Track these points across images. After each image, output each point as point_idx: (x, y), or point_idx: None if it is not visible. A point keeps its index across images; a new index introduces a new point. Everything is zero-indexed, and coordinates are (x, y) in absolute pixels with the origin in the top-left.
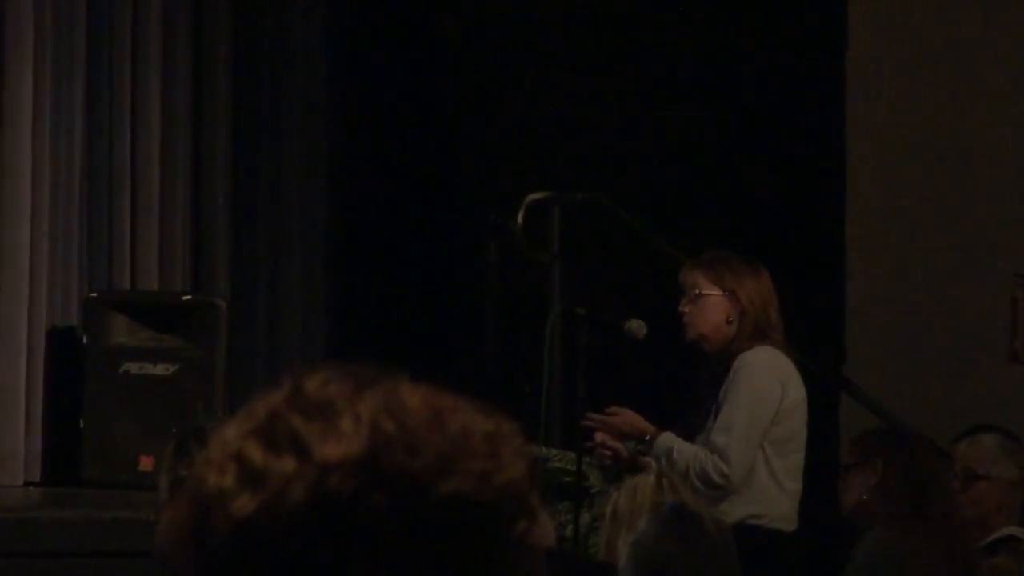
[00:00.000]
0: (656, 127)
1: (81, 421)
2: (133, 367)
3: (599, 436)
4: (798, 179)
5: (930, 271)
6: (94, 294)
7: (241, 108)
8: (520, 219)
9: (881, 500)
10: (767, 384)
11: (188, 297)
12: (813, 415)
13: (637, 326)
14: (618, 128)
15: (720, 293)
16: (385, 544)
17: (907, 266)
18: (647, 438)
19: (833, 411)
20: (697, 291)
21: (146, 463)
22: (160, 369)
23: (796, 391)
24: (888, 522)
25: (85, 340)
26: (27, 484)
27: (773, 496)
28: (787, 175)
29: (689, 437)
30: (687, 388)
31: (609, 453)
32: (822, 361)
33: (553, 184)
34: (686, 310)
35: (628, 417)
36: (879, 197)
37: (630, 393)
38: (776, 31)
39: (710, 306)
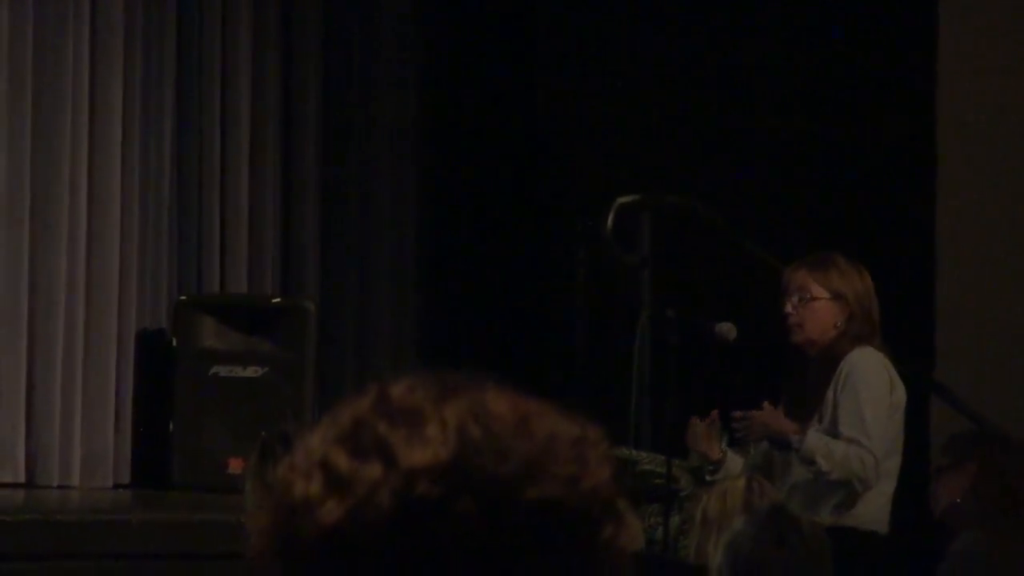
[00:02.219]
0: (745, 132)
1: (170, 424)
2: (222, 370)
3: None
4: (888, 181)
5: (1021, 272)
6: (184, 297)
7: (331, 113)
8: (610, 223)
9: (974, 503)
10: (879, 382)
11: (278, 300)
12: (906, 418)
13: (728, 328)
14: (707, 133)
15: (828, 296)
16: (472, 550)
17: (998, 268)
18: (795, 437)
19: (924, 414)
20: (807, 294)
21: (235, 466)
22: (249, 372)
23: (900, 392)
24: (981, 525)
25: (175, 343)
26: (116, 487)
27: (868, 498)
28: (877, 177)
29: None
30: (783, 390)
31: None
32: (913, 363)
33: (643, 187)
34: (794, 312)
35: (770, 413)
36: (970, 198)
37: (720, 396)
38: (865, 33)
39: (820, 310)
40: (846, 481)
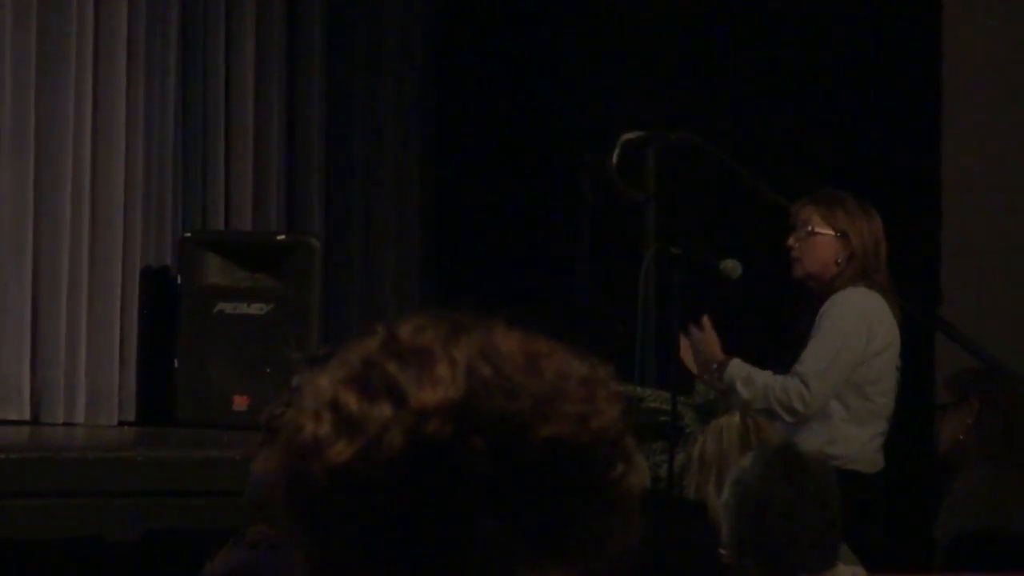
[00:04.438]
0: (751, 68)
1: (175, 361)
2: (227, 307)
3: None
4: (893, 123)
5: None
6: (188, 234)
7: (335, 46)
8: (615, 159)
9: (977, 439)
10: (852, 327)
11: (282, 237)
12: (910, 357)
13: (732, 266)
14: (714, 69)
15: (832, 233)
16: (483, 488)
17: (1003, 209)
18: (714, 366)
19: (929, 353)
20: (810, 228)
21: (239, 403)
22: (254, 309)
23: (885, 335)
24: (984, 461)
25: (179, 280)
26: (121, 423)
27: (850, 437)
28: (883, 116)
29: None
30: (786, 327)
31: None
32: (918, 302)
33: (648, 124)
34: (795, 246)
35: (709, 338)
36: (975, 138)
37: (725, 333)
38: None
39: (821, 245)
40: (769, 411)
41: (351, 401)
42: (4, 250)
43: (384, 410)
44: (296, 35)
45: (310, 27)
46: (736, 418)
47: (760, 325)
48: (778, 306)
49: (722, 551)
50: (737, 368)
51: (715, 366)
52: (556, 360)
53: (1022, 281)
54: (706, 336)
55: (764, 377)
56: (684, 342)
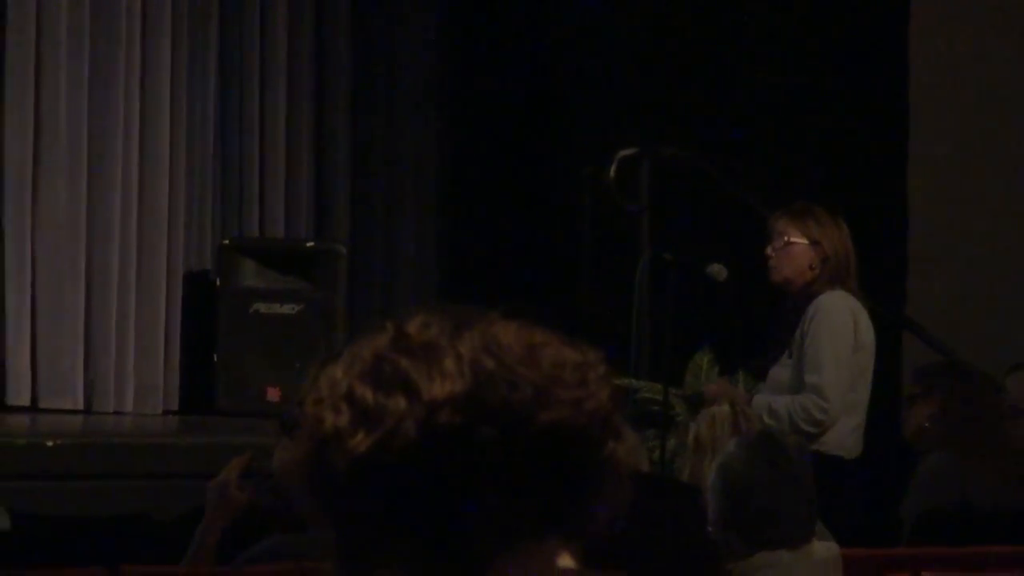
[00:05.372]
0: (736, 89)
1: (215, 356)
2: (262, 307)
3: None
4: (864, 135)
5: (984, 223)
6: (226, 241)
7: (359, 77)
8: (612, 172)
9: (940, 426)
10: (842, 322)
11: (311, 244)
12: (879, 352)
13: (718, 269)
14: (702, 91)
15: (806, 242)
16: (492, 472)
17: (963, 218)
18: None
19: (897, 348)
20: (786, 238)
21: (272, 393)
22: (286, 309)
23: (866, 332)
24: (946, 446)
25: (218, 283)
26: (166, 413)
27: (839, 426)
28: (855, 131)
29: (764, 369)
30: (766, 326)
31: None
32: (887, 303)
33: (642, 141)
34: (773, 255)
35: (723, 387)
36: (940, 152)
37: (712, 332)
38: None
39: (796, 253)
40: (797, 431)
41: (367, 394)
42: (61, 256)
43: (399, 403)
44: (324, 67)
45: (337, 61)
46: (727, 407)
47: (743, 322)
48: (758, 305)
49: (709, 528)
50: (759, 404)
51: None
52: (551, 349)
53: (982, 284)
54: (720, 386)
55: (783, 404)
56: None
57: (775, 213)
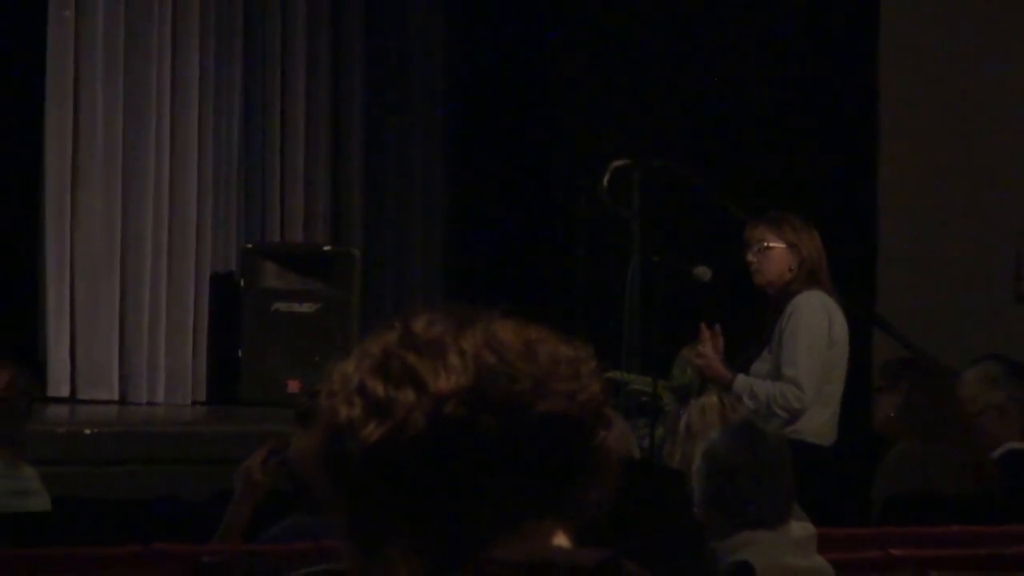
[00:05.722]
0: (720, 105)
1: (239, 351)
2: (282, 306)
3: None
4: (838, 143)
5: (949, 227)
6: (249, 245)
7: (372, 95)
8: (605, 182)
9: (906, 417)
10: (817, 320)
11: (328, 248)
12: (851, 346)
13: (703, 271)
14: (687, 107)
15: (784, 246)
16: (495, 459)
17: (932, 221)
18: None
19: (867, 343)
20: (765, 244)
21: (293, 386)
22: (305, 308)
23: (840, 329)
24: (911, 435)
25: (242, 284)
26: (194, 403)
27: (812, 415)
28: (830, 140)
29: (748, 362)
30: (749, 322)
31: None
32: (857, 301)
33: (634, 152)
34: (754, 260)
35: (713, 361)
36: (909, 157)
37: (697, 328)
38: (812, 15)
39: (776, 257)
40: (771, 415)
41: (378, 388)
42: (97, 257)
43: (408, 395)
44: (339, 83)
45: (351, 76)
46: (714, 397)
47: (727, 320)
48: (741, 304)
49: (695, 508)
50: (741, 385)
51: (726, 382)
52: (547, 345)
53: (947, 284)
54: (708, 357)
55: (764, 389)
56: (699, 350)
57: (752, 222)
